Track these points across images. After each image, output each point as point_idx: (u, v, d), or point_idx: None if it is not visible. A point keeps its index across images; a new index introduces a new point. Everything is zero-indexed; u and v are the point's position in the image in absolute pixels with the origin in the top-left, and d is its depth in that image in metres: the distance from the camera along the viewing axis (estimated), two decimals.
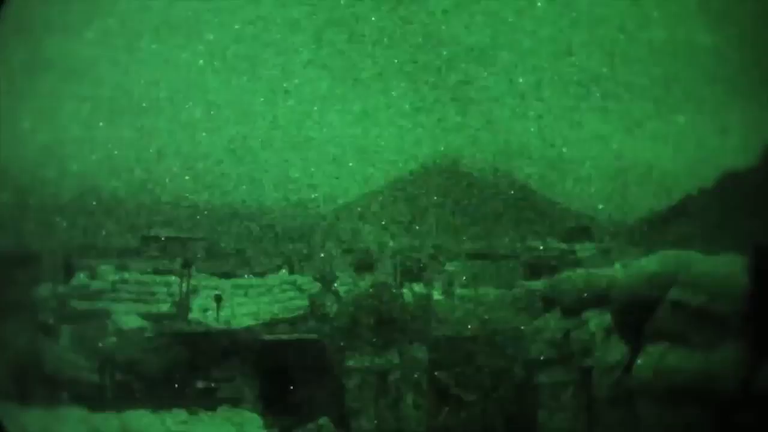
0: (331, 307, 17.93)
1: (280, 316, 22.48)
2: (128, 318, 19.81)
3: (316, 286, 22.10)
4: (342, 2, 35.03)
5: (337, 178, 34.45)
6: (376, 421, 14.39)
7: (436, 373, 15.78)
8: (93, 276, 23.24)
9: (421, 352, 15.09)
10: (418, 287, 15.64)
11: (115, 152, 29.94)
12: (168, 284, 22.98)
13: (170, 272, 23.38)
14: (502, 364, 16.28)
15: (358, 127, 34.90)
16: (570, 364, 13.58)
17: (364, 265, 14.39)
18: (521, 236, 30.42)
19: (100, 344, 17.84)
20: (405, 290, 14.87)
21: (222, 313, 22.37)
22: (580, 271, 15.09)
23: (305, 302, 21.73)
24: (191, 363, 17.62)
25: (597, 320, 13.03)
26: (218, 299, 22.50)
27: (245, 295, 24.11)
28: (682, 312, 9.64)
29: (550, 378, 14.12)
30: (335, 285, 20.16)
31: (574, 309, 13.92)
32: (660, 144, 32.90)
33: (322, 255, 27.64)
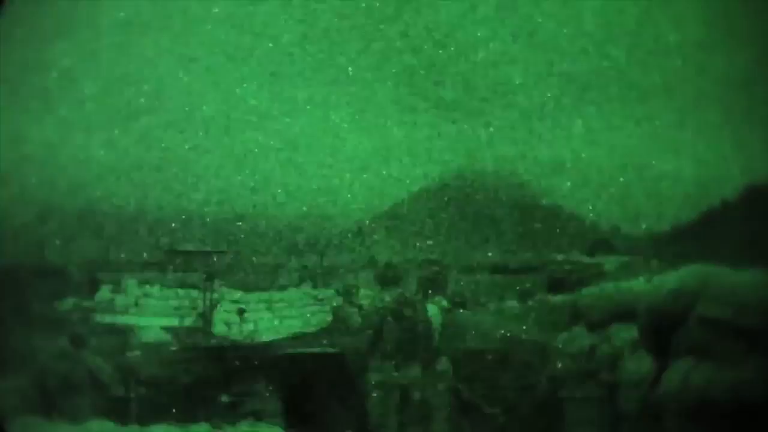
0: (355, 320, 17.92)
1: (303, 329, 22.52)
2: (152, 332, 19.90)
3: (339, 300, 22.11)
4: (355, 14, 35.04)
5: (357, 191, 34.43)
6: None
7: (459, 387, 15.75)
8: (117, 290, 23.35)
9: (445, 367, 15.06)
10: (441, 301, 15.60)
11: (136, 168, 30.03)
12: (191, 298, 23.06)
13: (193, 286, 23.46)
14: (526, 379, 16.24)
15: (378, 141, 34.88)
16: (596, 378, 13.53)
17: (387, 279, 14.32)
18: (544, 249, 30.32)
19: (124, 358, 17.92)
20: (430, 306, 14.82)
21: (245, 327, 22.42)
22: (605, 284, 15.05)
23: (328, 316, 21.76)
24: (215, 377, 17.66)
25: (623, 335, 12.97)
26: (241, 313, 22.57)
27: (268, 308, 24.16)
28: (709, 326, 9.60)
29: (576, 393, 14.07)
30: (358, 299, 20.16)
31: (599, 323, 13.88)
32: (682, 155, 32.76)
33: (345, 268, 27.64)
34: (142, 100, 30.36)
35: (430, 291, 15.65)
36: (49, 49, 26.16)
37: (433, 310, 15.04)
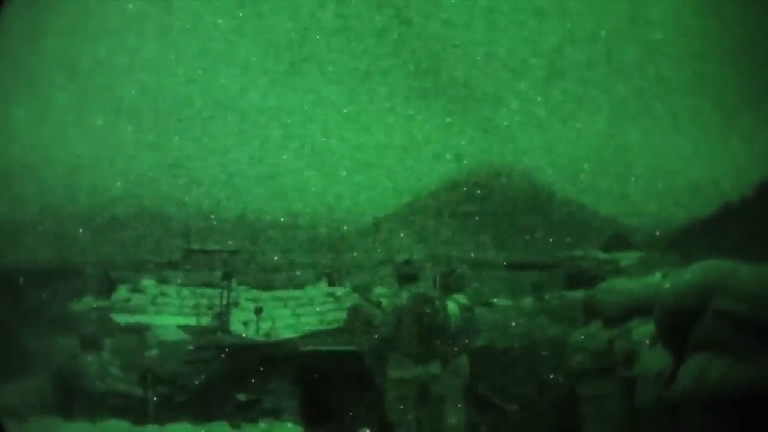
0: (373, 317, 17.91)
1: (320, 327, 22.54)
2: (169, 331, 19.94)
3: (356, 298, 22.13)
4: (355, 17, 35.06)
5: (374, 189, 34.46)
6: None
7: (476, 384, 15.76)
8: (134, 289, 23.41)
9: (463, 363, 15.05)
10: (459, 298, 15.55)
11: (151, 168, 30.08)
12: (208, 297, 23.12)
13: (210, 285, 23.51)
14: (543, 375, 16.24)
15: (395, 139, 34.91)
16: (613, 374, 13.50)
17: (405, 276, 14.27)
18: (561, 246, 30.29)
19: (142, 357, 17.95)
20: (449, 303, 14.77)
21: (262, 325, 22.45)
22: (622, 280, 15.00)
23: (344, 313, 21.78)
24: (232, 375, 17.69)
25: (640, 330, 12.93)
26: (258, 311, 22.62)
27: (285, 306, 24.21)
28: (726, 322, 9.56)
29: (593, 389, 14.04)
30: (376, 296, 20.17)
31: (616, 319, 13.84)
32: (699, 150, 32.70)
33: (362, 266, 27.66)
34: (153, 99, 30.41)
35: (446, 288, 15.56)
36: (53, 48, 26.21)
37: (453, 308, 14.98)
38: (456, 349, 14.62)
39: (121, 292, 23.21)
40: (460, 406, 14.94)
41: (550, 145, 35.24)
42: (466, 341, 15.11)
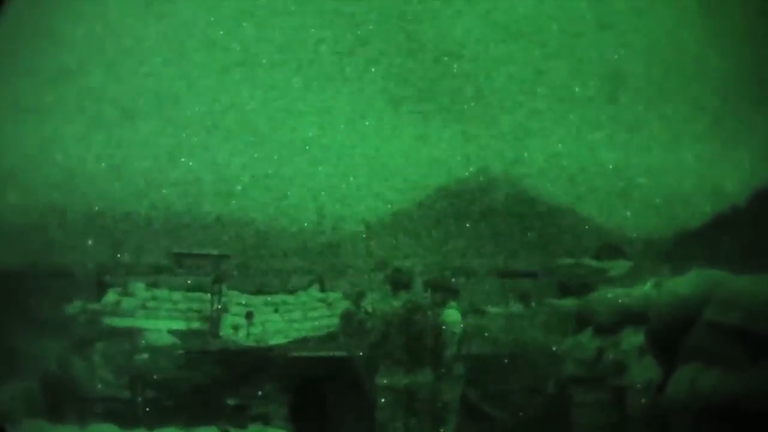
0: (363, 324, 17.91)
1: (311, 333, 22.50)
2: (159, 335, 19.89)
3: (347, 304, 22.09)
4: (361, 19, 35.04)
5: (365, 195, 34.42)
6: None
7: (467, 392, 15.72)
8: (124, 293, 23.31)
9: (461, 371, 15.01)
10: (451, 305, 15.50)
11: (143, 170, 30.04)
12: (199, 301, 23.07)
13: (201, 289, 23.44)
14: (534, 383, 16.22)
15: (385, 145, 34.86)
16: (603, 383, 13.50)
17: (397, 283, 14.23)
18: (552, 254, 30.26)
19: (132, 361, 17.92)
20: (450, 311, 14.74)
21: (252, 330, 22.41)
22: (614, 289, 15.03)
23: (336, 320, 21.76)
24: (222, 380, 17.67)
25: (631, 339, 12.95)
26: (249, 316, 22.56)
27: (276, 312, 24.13)
28: (717, 332, 9.57)
29: (583, 397, 14.03)
30: (366, 303, 20.14)
31: (607, 328, 13.85)
32: (691, 160, 32.69)
33: (353, 272, 27.60)
34: (149, 101, 30.36)
35: (438, 296, 15.49)
36: (51, 48, 26.17)
37: (455, 315, 14.93)
38: (456, 356, 14.60)
39: (111, 296, 23.10)
40: (451, 414, 14.91)
41: (544, 153, 35.20)
42: (466, 349, 15.09)
